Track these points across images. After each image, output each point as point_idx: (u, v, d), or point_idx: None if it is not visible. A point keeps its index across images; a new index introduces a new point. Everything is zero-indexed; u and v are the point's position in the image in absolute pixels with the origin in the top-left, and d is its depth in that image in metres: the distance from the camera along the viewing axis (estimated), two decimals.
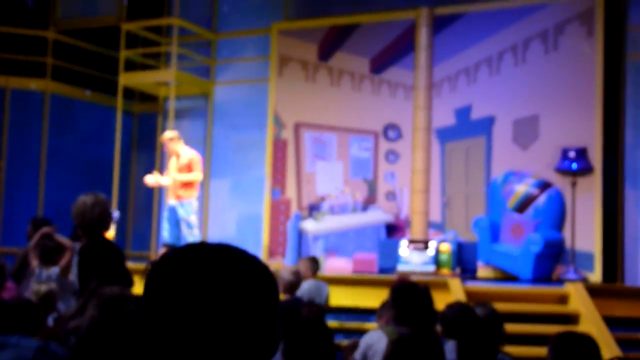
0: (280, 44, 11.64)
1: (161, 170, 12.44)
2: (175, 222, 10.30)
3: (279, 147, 11.57)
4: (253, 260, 1.36)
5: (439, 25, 10.66)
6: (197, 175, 10.18)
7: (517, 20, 10.19)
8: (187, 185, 10.18)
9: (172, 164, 10.40)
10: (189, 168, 10.23)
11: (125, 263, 5.74)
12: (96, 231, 5.64)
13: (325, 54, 11.39)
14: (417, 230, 10.57)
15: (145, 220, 13.13)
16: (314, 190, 11.36)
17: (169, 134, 10.35)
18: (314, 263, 8.08)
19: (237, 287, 1.31)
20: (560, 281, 9.08)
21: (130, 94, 13.12)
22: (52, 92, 12.34)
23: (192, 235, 10.37)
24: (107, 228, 5.80)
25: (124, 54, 12.18)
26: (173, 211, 10.33)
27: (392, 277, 8.68)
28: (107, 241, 5.76)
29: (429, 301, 4.69)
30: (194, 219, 10.28)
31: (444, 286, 7.90)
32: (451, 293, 7.72)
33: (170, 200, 10.44)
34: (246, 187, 12.11)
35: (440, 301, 5.35)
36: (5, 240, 11.54)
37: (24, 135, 12.20)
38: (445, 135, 10.63)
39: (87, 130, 12.88)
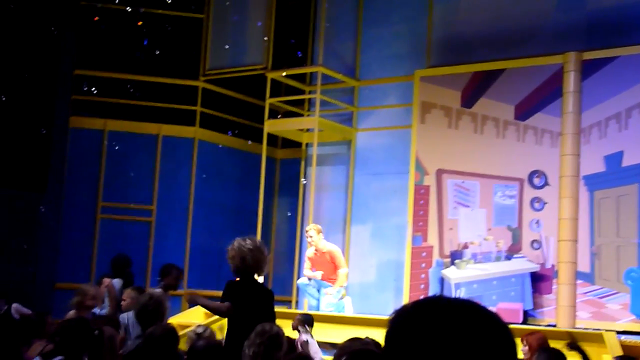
0: (422, 90, 11.65)
1: (304, 215, 12.63)
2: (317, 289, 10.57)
3: (421, 193, 11.51)
4: (494, 318, 1.34)
5: (587, 70, 10.41)
6: (343, 272, 10.42)
7: None
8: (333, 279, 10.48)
9: (310, 253, 10.65)
10: (332, 262, 10.43)
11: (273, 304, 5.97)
12: (250, 274, 5.91)
13: (468, 100, 11.32)
14: (564, 280, 10.24)
15: (286, 264, 13.32)
16: (457, 238, 11.22)
17: (318, 226, 10.58)
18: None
19: (478, 344, 1.30)
20: None
21: (273, 140, 13.43)
22: (200, 139, 12.80)
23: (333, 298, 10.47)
24: (261, 271, 6.02)
25: (269, 101, 12.51)
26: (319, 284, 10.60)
27: (534, 327, 8.41)
28: (258, 283, 6.05)
29: None
30: (334, 302, 10.42)
31: (599, 340, 7.62)
32: (607, 347, 7.43)
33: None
34: (387, 234, 12.10)
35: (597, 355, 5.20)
36: (154, 282, 11.92)
37: (173, 181, 12.67)
38: (594, 182, 10.31)
39: (232, 176, 13.26)
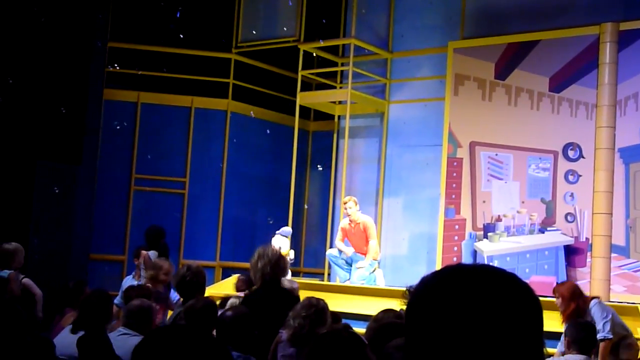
0: (456, 62, 11.55)
1: (336, 187, 12.63)
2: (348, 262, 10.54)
3: (454, 166, 11.46)
4: (515, 280, 1.33)
5: (624, 40, 10.25)
6: (373, 243, 10.37)
7: None
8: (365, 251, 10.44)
9: (344, 224, 10.60)
10: (364, 232, 10.39)
11: None
12: (274, 281, 5.66)
13: (502, 72, 11.21)
14: (598, 253, 10.17)
15: (318, 237, 13.35)
16: (490, 210, 11.17)
17: (355, 198, 10.55)
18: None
19: (503, 308, 1.29)
20: None
21: (305, 112, 13.42)
22: (233, 111, 12.82)
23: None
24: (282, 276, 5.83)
25: (301, 74, 12.48)
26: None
27: None
28: (280, 289, 5.77)
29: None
30: (366, 275, 10.38)
31: (635, 314, 7.59)
32: None
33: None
34: (419, 206, 12.07)
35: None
36: (187, 254, 12.04)
37: (206, 152, 12.72)
38: (630, 155, 10.19)
39: (264, 148, 13.27)
